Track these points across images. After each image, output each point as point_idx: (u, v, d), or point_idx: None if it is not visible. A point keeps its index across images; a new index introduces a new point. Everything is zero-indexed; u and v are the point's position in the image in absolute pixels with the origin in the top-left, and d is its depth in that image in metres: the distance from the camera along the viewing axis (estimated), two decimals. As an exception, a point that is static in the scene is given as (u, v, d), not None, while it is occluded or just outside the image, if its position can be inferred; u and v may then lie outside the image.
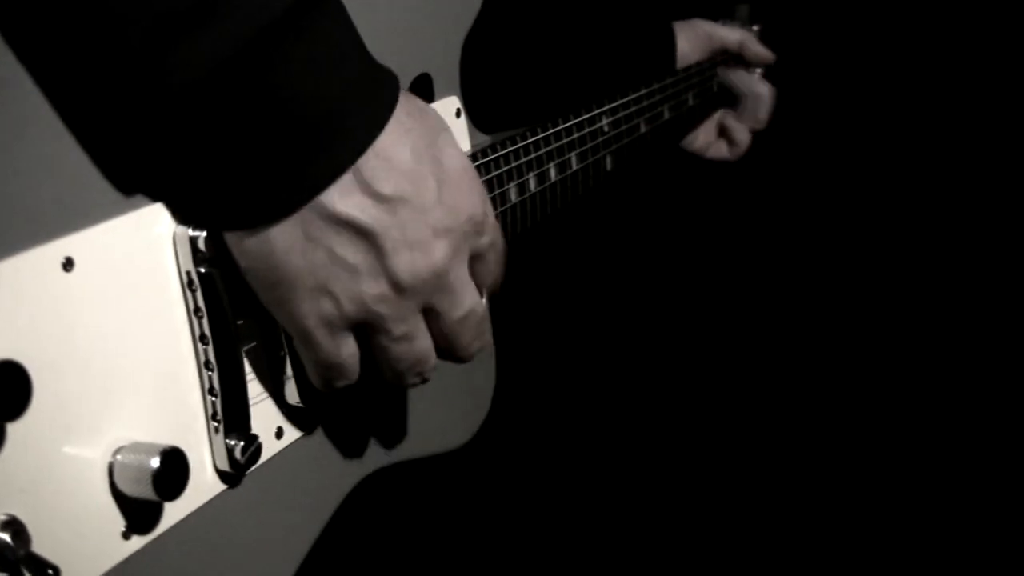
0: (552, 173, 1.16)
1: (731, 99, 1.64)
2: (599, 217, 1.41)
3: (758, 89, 1.62)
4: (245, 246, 0.72)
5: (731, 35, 1.61)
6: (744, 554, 1.99)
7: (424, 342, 0.79)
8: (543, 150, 1.14)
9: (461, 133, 1.05)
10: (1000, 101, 2.19)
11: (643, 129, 1.37)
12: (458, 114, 1.05)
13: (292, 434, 0.85)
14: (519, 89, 1.37)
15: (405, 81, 0.97)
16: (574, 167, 1.21)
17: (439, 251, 0.75)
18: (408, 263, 0.73)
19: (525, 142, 1.11)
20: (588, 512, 1.78)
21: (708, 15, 1.69)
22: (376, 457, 0.95)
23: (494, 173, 1.06)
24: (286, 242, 0.71)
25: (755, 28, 1.74)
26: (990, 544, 2.02)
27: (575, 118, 1.21)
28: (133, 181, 0.72)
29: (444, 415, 1.06)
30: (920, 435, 2.19)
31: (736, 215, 2.13)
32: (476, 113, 1.07)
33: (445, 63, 1.03)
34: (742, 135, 1.62)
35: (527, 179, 1.11)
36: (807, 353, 2.23)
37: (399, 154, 0.72)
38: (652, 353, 2.03)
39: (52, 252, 0.67)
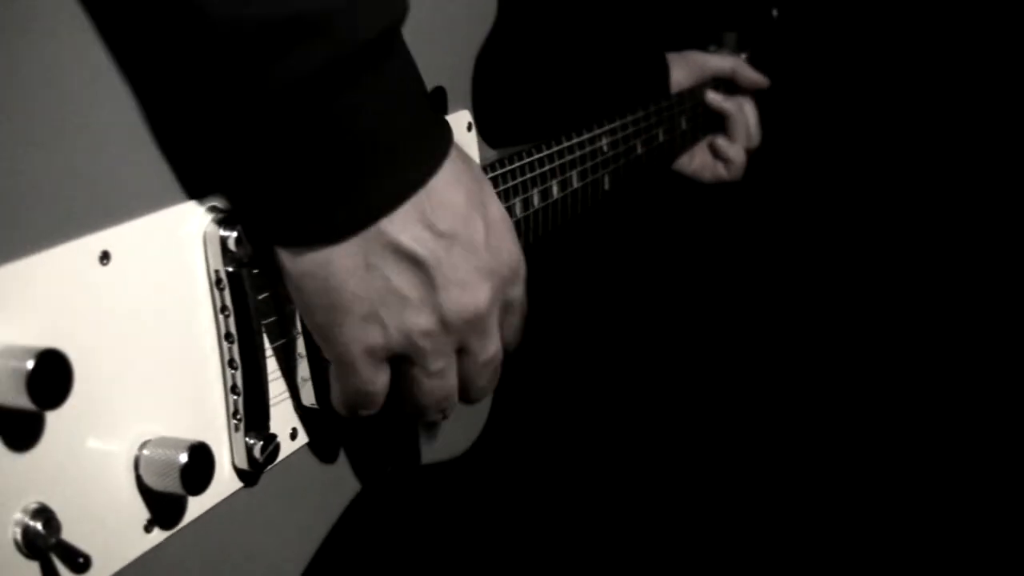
0: (555, 190, 1.18)
1: (719, 122, 1.67)
2: (599, 223, 1.43)
3: (744, 108, 1.65)
4: (303, 264, 0.73)
5: (723, 63, 1.65)
6: (746, 555, 2.00)
7: (453, 380, 0.81)
8: (548, 167, 1.16)
9: (471, 147, 1.07)
10: (1000, 101, 2.21)
11: (639, 151, 1.40)
12: (469, 128, 1.07)
13: (304, 436, 0.86)
14: (525, 106, 1.39)
15: (421, 93, 0.99)
16: (575, 185, 1.23)
17: (484, 293, 0.77)
18: (456, 300, 0.75)
19: (531, 158, 1.13)
20: (590, 514, 1.79)
21: (697, 42, 1.73)
22: (379, 466, 0.96)
23: (501, 188, 1.08)
24: (347, 265, 0.73)
25: (743, 56, 1.77)
26: (990, 544, 2.03)
27: (578, 137, 1.23)
28: (169, 177, 0.73)
29: (444, 424, 1.07)
30: (920, 435, 2.20)
31: (736, 218, 2.14)
32: (485, 128, 1.09)
33: (458, 77, 1.05)
34: (736, 153, 1.65)
35: (531, 194, 1.13)
36: (809, 355, 2.25)
37: (454, 195, 0.75)
38: (653, 356, 2.03)
39: (90, 245, 0.67)
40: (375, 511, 0.98)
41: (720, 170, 1.67)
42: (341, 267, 0.73)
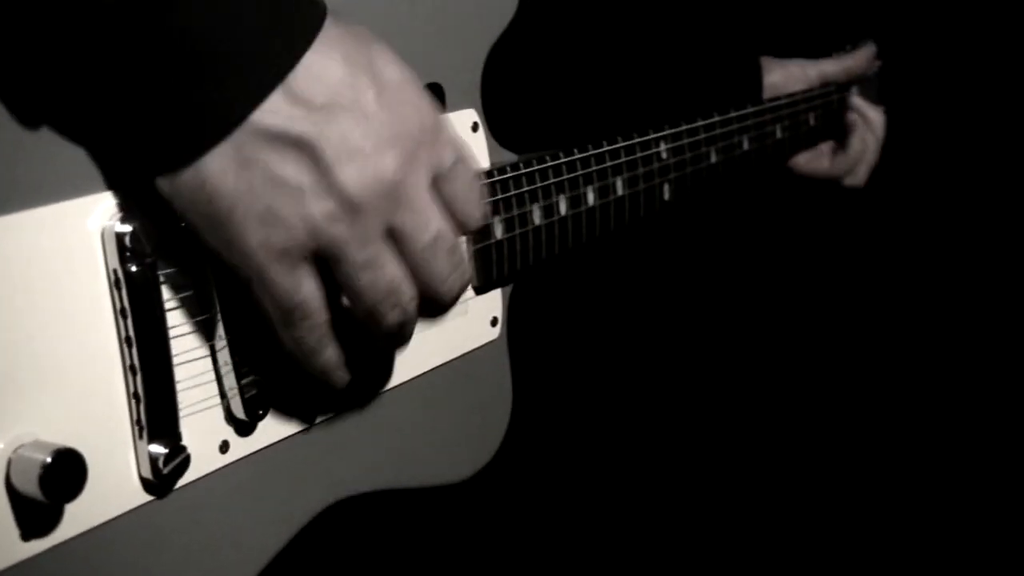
0: (590, 197, 1.10)
1: (839, 132, 1.54)
2: (616, 249, 1.34)
3: (868, 115, 1.52)
4: (179, 185, 0.68)
5: (831, 67, 1.52)
6: (749, 555, 1.94)
7: (393, 269, 0.72)
8: (579, 172, 1.08)
9: (479, 148, 1.00)
10: (1000, 101, 2.11)
11: (714, 159, 1.29)
12: (475, 128, 1.00)
13: (241, 449, 0.81)
14: (554, 106, 1.31)
15: (411, 90, 0.93)
16: (619, 192, 1.14)
17: (389, 159, 0.69)
18: (355, 173, 0.68)
19: (556, 162, 1.05)
20: (596, 516, 1.73)
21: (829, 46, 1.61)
22: (352, 482, 0.90)
23: (513, 192, 1.00)
24: (219, 166, 0.66)
25: (877, 65, 1.64)
26: (990, 544, 1.99)
27: (624, 141, 1.14)
28: (64, 172, 0.70)
29: (444, 441, 1.00)
30: (920, 435, 2.15)
31: (739, 220, 2.05)
32: (500, 129, 1.02)
33: (462, 75, 0.98)
34: (842, 162, 1.52)
35: (556, 201, 1.05)
36: (811, 356, 2.16)
37: (330, 66, 0.68)
38: (659, 360, 1.97)
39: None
40: (346, 530, 0.92)
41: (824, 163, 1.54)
42: (216, 172, 0.67)
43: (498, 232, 0.99)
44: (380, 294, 0.72)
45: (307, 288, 0.71)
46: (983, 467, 2.10)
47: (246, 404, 0.78)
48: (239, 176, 0.67)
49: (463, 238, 0.79)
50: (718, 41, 1.43)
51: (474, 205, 0.76)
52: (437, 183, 0.74)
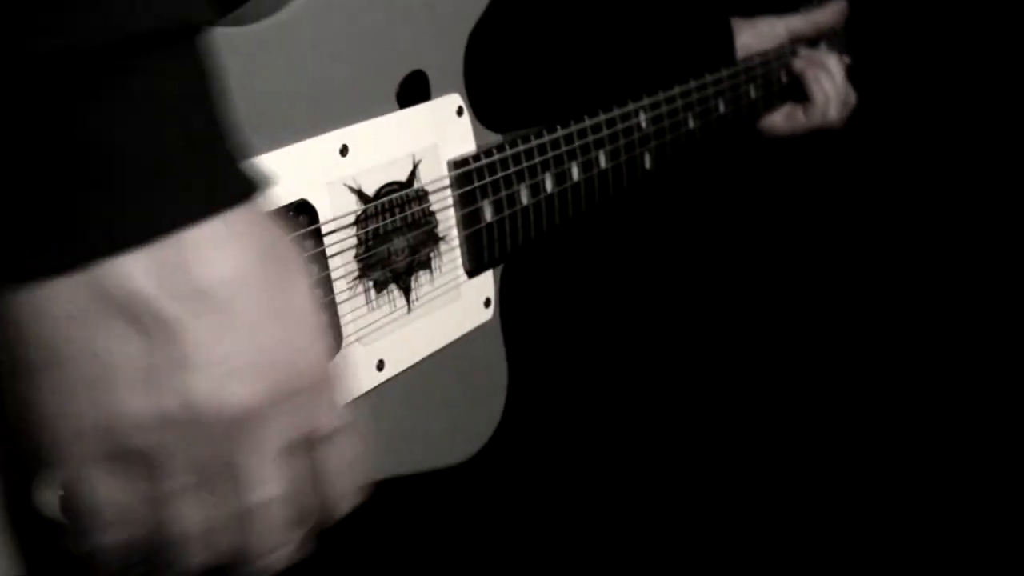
0: (574, 172, 1.11)
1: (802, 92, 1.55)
2: (598, 222, 1.35)
3: (824, 68, 1.52)
4: (15, 305, 0.54)
5: (798, 21, 1.52)
6: (748, 555, 1.96)
7: (195, 523, 0.56)
8: (563, 149, 1.09)
9: (464, 132, 1.01)
10: (1000, 101, 2.14)
11: (692, 125, 1.30)
12: (460, 112, 1.00)
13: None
14: (535, 85, 1.31)
15: (395, 80, 0.93)
16: (603, 165, 1.15)
17: (255, 388, 0.55)
18: (205, 385, 0.54)
19: (541, 140, 1.06)
20: (592, 515, 1.76)
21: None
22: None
23: (501, 174, 1.01)
24: (57, 312, 0.53)
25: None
26: (990, 544, 1.99)
27: (605, 114, 1.15)
28: None
29: (443, 424, 1.01)
30: (920, 435, 2.16)
31: (736, 217, 2.08)
32: (484, 111, 1.02)
33: (446, 60, 0.98)
34: (809, 116, 1.53)
35: (542, 179, 1.06)
36: (813, 357, 2.19)
37: (227, 254, 0.55)
38: (655, 356, 1.99)
39: None
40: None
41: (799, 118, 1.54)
42: (51, 312, 0.53)
43: (488, 215, 1.00)
44: (188, 529, 0.57)
45: (106, 493, 0.55)
46: (983, 467, 2.10)
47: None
48: (72, 333, 0.53)
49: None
50: (690, 6, 1.44)
51: (347, 488, 0.63)
52: (309, 448, 0.60)
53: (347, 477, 0.62)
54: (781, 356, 2.14)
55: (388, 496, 0.94)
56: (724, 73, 1.36)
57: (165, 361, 0.53)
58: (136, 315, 0.53)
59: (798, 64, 1.51)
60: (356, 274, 0.87)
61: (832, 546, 1.99)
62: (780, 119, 1.52)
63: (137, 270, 0.53)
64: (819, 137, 1.57)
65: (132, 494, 0.55)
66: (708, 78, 1.33)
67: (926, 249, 2.23)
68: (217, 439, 0.55)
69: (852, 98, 1.58)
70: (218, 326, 0.54)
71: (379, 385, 0.92)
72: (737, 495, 2.00)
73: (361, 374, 0.90)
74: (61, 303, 0.53)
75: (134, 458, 0.54)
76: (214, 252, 0.55)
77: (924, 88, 2.13)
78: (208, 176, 0.56)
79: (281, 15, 0.83)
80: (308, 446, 0.60)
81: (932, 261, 2.23)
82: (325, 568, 0.86)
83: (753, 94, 1.43)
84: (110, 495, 0.55)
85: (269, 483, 0.58)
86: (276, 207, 0.78)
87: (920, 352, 2.21)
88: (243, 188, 0.58)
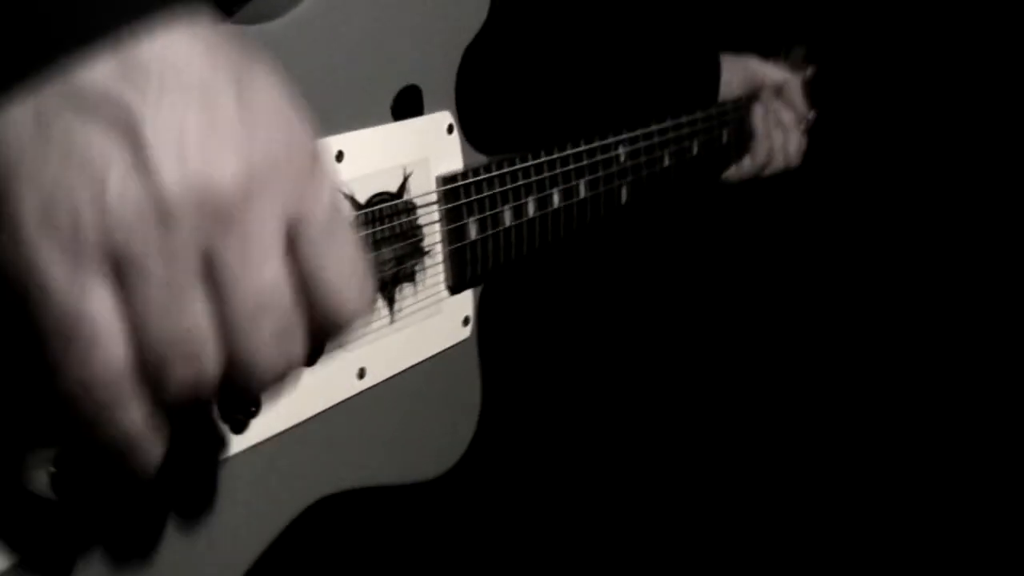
0: (555, 199, 1.12)
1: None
2: (583, 247, 1.37)
3: (779, 129, 1.55)
4: None
5: (776, 73, 1.56)
6: (746, 555, 1.97)
7: (199, 310, 0.53)
8: (546, 174, 1.10)
9: (453, 150, 1.01)
10: (1000, 101, 2.17)
11: (667, 163, 1.32)
12: (450, 130, 1.01)
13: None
14: (523, 109, 1.33)
15: (391, 93, 0.94)
16: (582, 195, 1.16)
17: (228, 167, 0.52)
18: (178, 170, 0.51)
19: (525, 164, 1.07)
20: (588, 516, 1.75)
21: (762, 52, 1.64)
22: (326, 482, 0.91)
23: (487, 193, 1.02)
24: (15, 120, 0.51)
25: (809, 70, 1.68)
26: (990, 544, 2.00)
27: (587, 144, 1.16)
28: None
29: (417, 439, 1.01)
30: (920, 435, 2.18)
31: (736, 219, 2.10)
32: (472, 131, 1.04)
33: (438, 76, 0.99)
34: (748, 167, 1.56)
35: (525, 203, 1.07)
36: (810, 357, 2.21)
37: (190, 53, 0.53)
38: (653, 358, 2.00)
39: None
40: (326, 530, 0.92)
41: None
42: (9, 124, 0.51)
43: (472, 232, 1.00)
44: (176, 333, 0.53)
45: (96, 303, 0.52)
46: (983, 467, 2.12)
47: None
48: (34, 139, 0.51)
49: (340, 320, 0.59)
50: (683, 41, 1.46)
51: (348, 287, 0.58)
52: (297, 240, 0.56)
53: (347, 274, 0.58)
54: (776, 359, 2.15)
55: (370, 506, 0.93)
56: (699, 115, 1.39)
57: (139, 151, 0.51)
58: (108, 109, 0.51)
59: (757, 115, 1.54)
60: (344, 280, 0.87)
61: (832, 546, 2.00)
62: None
63: (102, 65, 0.51)
64: (818, 140, 1.59)
65: (136, 296, 0.52)
66: (684, 119, 1.35)
67: (926, 249, 2.24)
68: (203, 225, 0.52)
69: (801, 149, 1.62)
70: (187, 114, 0.52)
71: (358, 393, 0.92)
72: (735, 496, 2.00)
73: (343, 380, 0.89)
74: (19, 111, 0.51)
75: (127, 251, 0.51)
76: (181, 50, 0.53)
77: (924, 88, 2.15)
78: None
79: (283, 19, 0.83)
80: (305, 239, 0.56)
81: (932, 261, 2.24)
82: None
83: (725, 138, 1.46)
84: (103, 305, 0.52)
85: (269, 265, 0.54)
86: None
87: (920, 352, 2.22)
88: (205, 6, 0.55)
